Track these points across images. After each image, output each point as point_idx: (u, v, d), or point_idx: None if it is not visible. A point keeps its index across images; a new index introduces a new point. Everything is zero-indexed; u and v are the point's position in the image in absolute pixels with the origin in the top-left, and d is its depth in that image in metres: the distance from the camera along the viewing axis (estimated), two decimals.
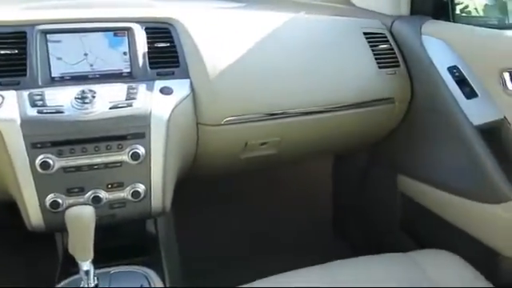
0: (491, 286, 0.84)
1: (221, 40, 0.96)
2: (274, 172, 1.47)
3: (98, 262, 0.76)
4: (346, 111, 1.03)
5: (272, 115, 0.96)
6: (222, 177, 1.26)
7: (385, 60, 1.06)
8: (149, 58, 0.89)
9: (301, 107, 0.98)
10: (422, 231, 1.17)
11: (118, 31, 0.89)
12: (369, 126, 1.12)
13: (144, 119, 0.82)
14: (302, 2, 1.35)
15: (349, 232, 1.47)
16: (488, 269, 0.93)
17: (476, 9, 1.21)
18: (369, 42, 1.07)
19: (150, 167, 0.83)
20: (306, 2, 1.33)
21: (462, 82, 0.99)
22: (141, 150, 0.81)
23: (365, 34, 1.08)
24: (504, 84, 0.93)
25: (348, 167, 1.42)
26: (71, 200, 0.80)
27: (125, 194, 0.83)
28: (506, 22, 1.16)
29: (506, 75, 0.93)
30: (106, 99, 0.81)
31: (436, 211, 1.08)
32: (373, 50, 1.06)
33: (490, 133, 0.96)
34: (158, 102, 0.84)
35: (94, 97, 0.80)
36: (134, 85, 0.85)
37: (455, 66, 1.01)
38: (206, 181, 1.33)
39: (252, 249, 1.39)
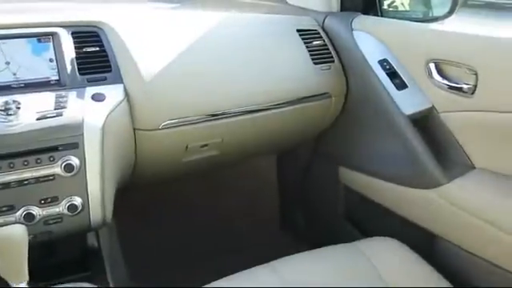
0: (430, 268, 0.89)
1: (154, 42, 0.93)
2: (218, 172, 1.46)
3: (37, 282, 0.72)
4: (285, 108, 1.04)
5: (212, 116, 0.95)
6: (165, 181, 1.23)
7: (319, 56, 1.08)
8: (77, 64, 0.85)
9: (240, 106, 0.98)
10: (365, 220, 1.21)
11: (42, 37, 0.85)
12: (308, 122, 1.14)
13: (76, 128, 0.78)
14: (236, 0, 1.35)
15: (296, 226, 1.49)
16: (427, 251, 0.98)
17: (402, 3, 1.27)
18: (302, 39, 1.09)
19: (86, 178, 0.79)
20: (239, 1, 1.33)
21: (392, 74, 1.03)
22: (74, 161, 0.77)
23: (298, 31, 1.09)
24: (430, 74, 0.98)
25: (291, 162, 1.44)
26: (0, 220, 0.74)
27: (60, 208, 0.79)
28: (430, 15, 1.21)
29: (432, 66, 0.98)
30: (33, 110, 0.76)
31: (376, 200, 1.12)
32: (307, 47, 1.08)
33: (421, 121, 1.01)
34: (91, 110, 0.80)
35: (18, 108, 0.75)
36: (63, 93, 0.81)
37: (385, 59, 1.05)
38: (148, 186, 1.30)
39: (201, 252, 1.37)
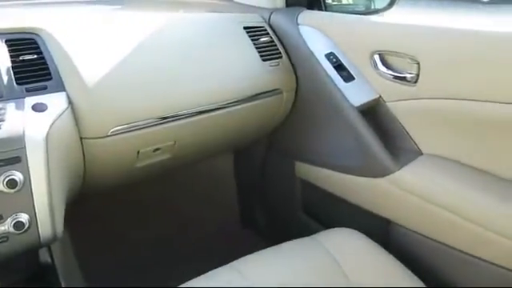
0: (388, 254, 0.91)
1: (95, 46, 0.90)
2: (174, 175, 1.43)
3: None
4: (237, 106, 1.04)
5: (163, 119, 0.93)
6: (119, 188, 1.20)
7: (267, 53, 1.08)
8: (14, 74, 0.80)
9: (191, 108, 0.96)
10: (324, 212, 1.23)
11: None
12: (261, 119, 1.14)
13: (17, 142, 0.73)
14: (181, 0, 1.33)
15: (257, 223, 1.50)
16: (384, 238, 1.01)
17: None
18: (250, 36, 1.08)
19: (32, 193, 0.75)
20: (183, 1, 1.31)
21: (339, 67, 1.05)
22: (18, 176, 0.73)
23: (245, 28, 1.09)
24: (375, 66, 1.01)
25: (247, 160, 1.44)
26: None
27: (5, 226, 0.74)
28: (372, 7, 1.24)
29: (377, 57, 1.00)
30: None
31: (332, 191, 1.14)
32: (255, 44, 1.08)
33: (369, 111, 1.03)
34: (32, 121, 0.76)
35: None
36: (0, 105, 0.77)
37: (332, 53, 1.07)
38: (102, 194, 1.26)
39: (162, 258, 1.35)
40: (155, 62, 0.94)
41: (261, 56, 1.07)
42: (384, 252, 0.92)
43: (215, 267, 0.87)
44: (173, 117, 0.94)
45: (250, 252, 0.91)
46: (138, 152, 0.95)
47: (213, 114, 1.01)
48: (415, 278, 0.87)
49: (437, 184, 0.92)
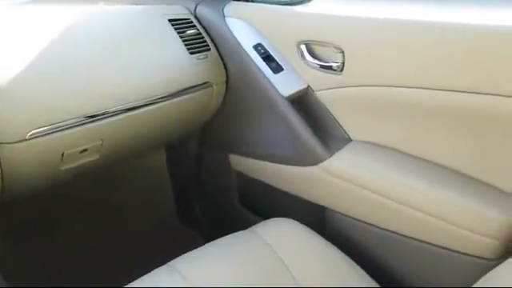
0: (325, 241, 0.94)
1: (6, 44, 0.83)
2: (107, 172, 1.37)
3: None
4: (167, 102, 1.01)
5: (88, 118, 0.88)
6: (45, 194, 1.13)
7: (194, 45, 1.06)
8: None
9: (116, 105, 0.92)
10: (261, 203, 1.23)
11: None
12: (191, 113, 1.12)
13: None
14: None
15: (195, 219, 1.48)
16: (320, 225, 1.03)
17: None
18: (175, 29, 1.05)
19: None
20: None
21: (267, 58, 1.05)
22: None
23: (170, 20, 1.06)
24: (302, 56, 1.02)
25: (181, 155, 1.41)
26: None
27: None
28: None
29: (303, 47, 1.01)
30: None
31: (268, 182, 1.15)
32: (181, 37, 1.05)
33: (299, 101, 1.05)
34: None
35: None
36: None
37: (259, 44, 1.07)
38: (27, 202, 1.18)
39: (97, 256, 1.29)
40: (74, 58, 0.89)
41: (188, 49, 1.05)
42: (321, 239, 0.94)
43: (154, 266, 0.84)
44: (98, 115, 0.90)
45: (190, 248, 0.90)
46: (63, 154, 0.89)
47: (141, 110, 0.97)
48: (351, 261, 0.90)
49: (365, 169, 0.96)
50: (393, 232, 0.95)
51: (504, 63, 0.76)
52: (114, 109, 0.91)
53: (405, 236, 0.93)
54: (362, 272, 0.89)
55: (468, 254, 0.87)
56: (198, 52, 1.06)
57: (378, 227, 0.97)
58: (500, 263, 0.69)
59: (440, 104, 0.85)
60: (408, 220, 0.91)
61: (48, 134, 0.83)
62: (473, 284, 0.72)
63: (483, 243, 0.84)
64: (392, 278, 0.98)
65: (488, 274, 0.70)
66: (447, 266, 0.90)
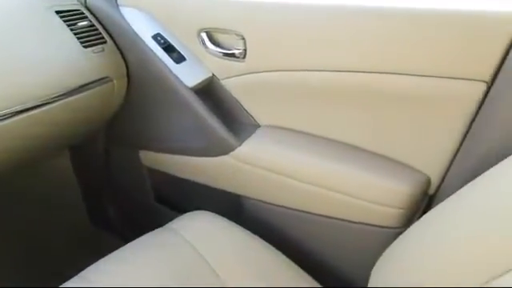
0: (240, 228, 0.94)
1: None
2: (8, 178, 1.25)
3: None
4: (63, 100, 0.93)
5: None
6: None
7: (88, 38, 0.99)
8: None
9: (5, 108, 0.83)
10: (177, 198, 1.20)
11: None
12: (93, 110, 1.05)
13: None
14: None
15: (108, 221, 1.41)
16: (237, 213, 1.03)
17: None
18: (65, 21, 0.97)
19: None
20: None
21: (168, 48, 1.01)
22: None
23: (57, 12, 0.97)
24: (204, 44, 1.00)
25: (87, 155, 1.33)
26: None
27: None
28: None
29: (204, 35, 0.99)
30: None
31: (181, 175, 1.12)
32: (72, 30, 0.97)
33: (204, 91, 1.03)
34: None
35: None
36: None
37: (159, 34, 1.02)
38: None
39: (2, 269, 1.18)
40: None
41: (81, 43, 0.97)
42: (239, 228, 0.94)
43: (67, 278, 0.79)
44: None
45: (105, 253, 0.85)
46: None
47: (34, 112, 0.88)
48: (272, 248, 0.91)
49: (274, 153, 0.97)
50: (305, 212, 0.98)
51: (401, 43, 0.78)
52: (0, 112, 0.83)
53: (316, 214, 0.96)
54: (283, 257, 0.90)
55: (376, 225, 0.92)
56: (93, 45, 0.99)
57: (291, 208, 0.99)
58: (405, 230, 0.74)
59: (341, 84, 0.88)
60: (316, 198, 0.94)
61: None
62: (383, 251, 0.76)
63: (389, 214, 0.89)
64: (312, 258, 1.01)
65: (396, 240, 0.75)
66: (360, 238, 0.95)
